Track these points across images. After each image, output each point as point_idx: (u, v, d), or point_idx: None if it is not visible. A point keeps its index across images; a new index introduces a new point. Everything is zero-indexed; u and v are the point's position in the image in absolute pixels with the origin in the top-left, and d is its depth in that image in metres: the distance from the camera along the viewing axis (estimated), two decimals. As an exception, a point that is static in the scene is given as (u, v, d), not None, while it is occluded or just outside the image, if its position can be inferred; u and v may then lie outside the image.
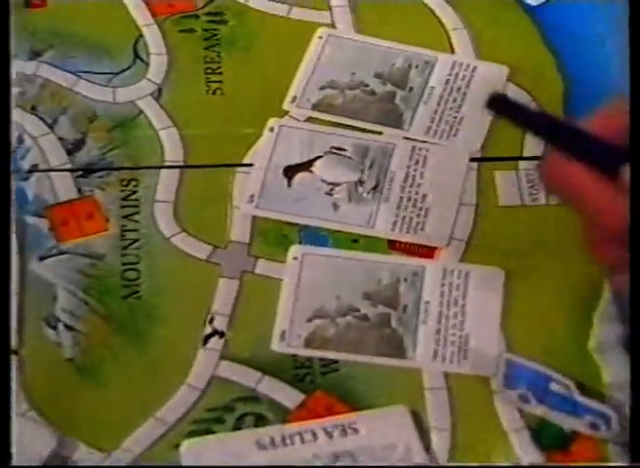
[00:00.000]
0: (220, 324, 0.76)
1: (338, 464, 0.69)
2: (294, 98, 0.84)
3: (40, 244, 0.78)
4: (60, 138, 0.82)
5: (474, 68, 0.86)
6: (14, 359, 0.73)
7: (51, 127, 0.82)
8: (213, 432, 0.72)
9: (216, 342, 0.75)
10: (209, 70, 0.86)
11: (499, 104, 0.67)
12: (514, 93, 0.85)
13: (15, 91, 0.84)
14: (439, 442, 0.72)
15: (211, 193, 0.81)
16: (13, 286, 0.76)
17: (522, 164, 0.83)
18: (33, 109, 0.83)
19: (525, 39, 0.88)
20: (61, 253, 0.78)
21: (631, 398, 0.58)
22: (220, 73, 0.86)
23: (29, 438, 0.71)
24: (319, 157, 0.82)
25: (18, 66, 0.85)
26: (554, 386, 0.73)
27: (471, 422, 0.73)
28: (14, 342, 0.74)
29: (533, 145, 0.83)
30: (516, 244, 0.80)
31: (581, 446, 0.72)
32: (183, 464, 0.70)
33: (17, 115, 0.82)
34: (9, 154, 0.79)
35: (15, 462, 0.69)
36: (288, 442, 0.71)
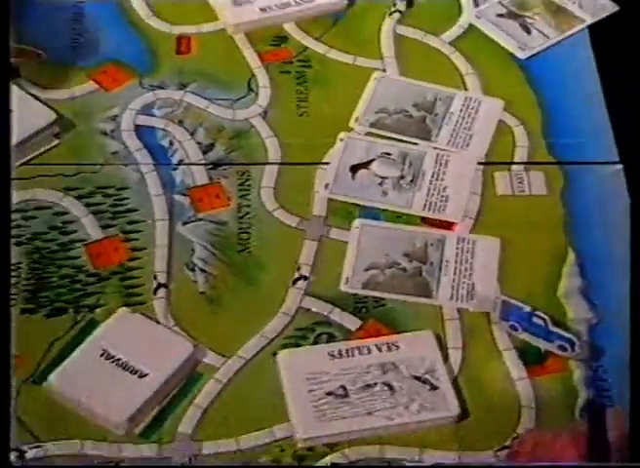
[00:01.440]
0: (304, 271, 0.72)
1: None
2: (357, 119, 0.80)
3: (183, 213, 0.74)
4: (198, 143, 0.78)
5: (480, 101, 0.82)
6: (162, 295, 0.70)
7: (192, 135, 0.79)
8: (299, 345, 0.68)
9: (301, 284, 0.71)
10: (299, 99, 0.82)
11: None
12: (508, 119, 0.81)
13: (168, 110, 0.80)
14: (454, 356, 0.68)
15: (299, 182, 0.77)
16: (164, 241, 0.72)
17: (513, 167, 0.78)
18: (180, 123, 0.79)
19: (515, 82, 0.84)
20: (198, 220, 0.74)
21: (630, 398, 0.52)
22: (307, 101, 0.81)
23: (166, 349, 0.67)
24: (374, 159, 0.77)
25: (169, 94, 0.81)
26: (535, 319, 0.69)
27: (476, 343, 0.69)
28: (164, 279, 0.70)
29: (520, 155, 0.79)
30: (508, 221, 0.75)
31: (553, 362, 0.68)
32: (280, 366, 0.66)
33: (169, 126, 0.79)
34: (9, 154, 0.70)
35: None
36: (350, 353, 0.67)
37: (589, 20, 0.88)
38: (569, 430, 0.59)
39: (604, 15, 0.88)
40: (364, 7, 0.88)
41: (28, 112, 0.76)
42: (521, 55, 0.85)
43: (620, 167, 0.77)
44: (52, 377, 0.64)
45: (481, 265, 0.72)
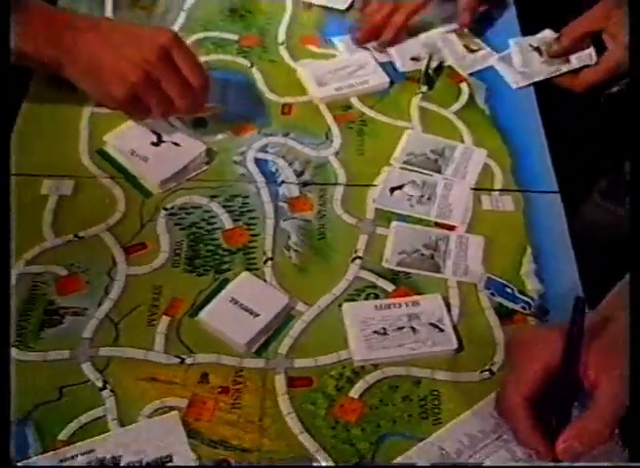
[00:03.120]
0: (360, 253, 0.67)
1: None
2: (395, 158, 0.74)
3: (284, 214, 0.69)
4: (294, 170, 0.73)
5: (473, 151, 0.76)
6: (269, 265, 0.65)
7: (290, 165, 0.73)
8: (355, 300, 0.64)
9: (358, 261, 0.66)
10: (358, 145, 0.76)
11: (578, 307, 0.53)
12: (490, 162, 0.75)
13: (276, 149, 0.74)
14: (454, 310, 0.63)
15: (358, 196, 0.71)
16: (271, 231, 0.67)
17: (493, 192, 0.72)
18: (283, 157, 0.74)
19: (493, 138, 0.77)
20: (292, 218, 0.69)
21: (630, 402, 0.45)
22: (363, 146, 0.76)
23: (271, 299, 0.62)
24: (405, 184, 0.72)
25: (277, 139, 0.75)
26: (506, 289, 0.64)
27: (468, 304, 0.64)
28: (271, 255, 0.65)
29: (497, 185, 0.73)
30: (489, 227, 0.69)
31: (518, 317, 0.63)
32: (343, 313, 0.62)
33: (277, 160, 0.73)
34: (8, 156, 0.57)
35: (260, 310, 0.60)
36: (388, 307, 0.62)
37: None
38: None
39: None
40: (400, 89, 0.81)
41: (190, 146, 0.72)
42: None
43: (558, 195, 0.72)
44: (201, 314, 0.61)
45: (472, 253, 0.67)
